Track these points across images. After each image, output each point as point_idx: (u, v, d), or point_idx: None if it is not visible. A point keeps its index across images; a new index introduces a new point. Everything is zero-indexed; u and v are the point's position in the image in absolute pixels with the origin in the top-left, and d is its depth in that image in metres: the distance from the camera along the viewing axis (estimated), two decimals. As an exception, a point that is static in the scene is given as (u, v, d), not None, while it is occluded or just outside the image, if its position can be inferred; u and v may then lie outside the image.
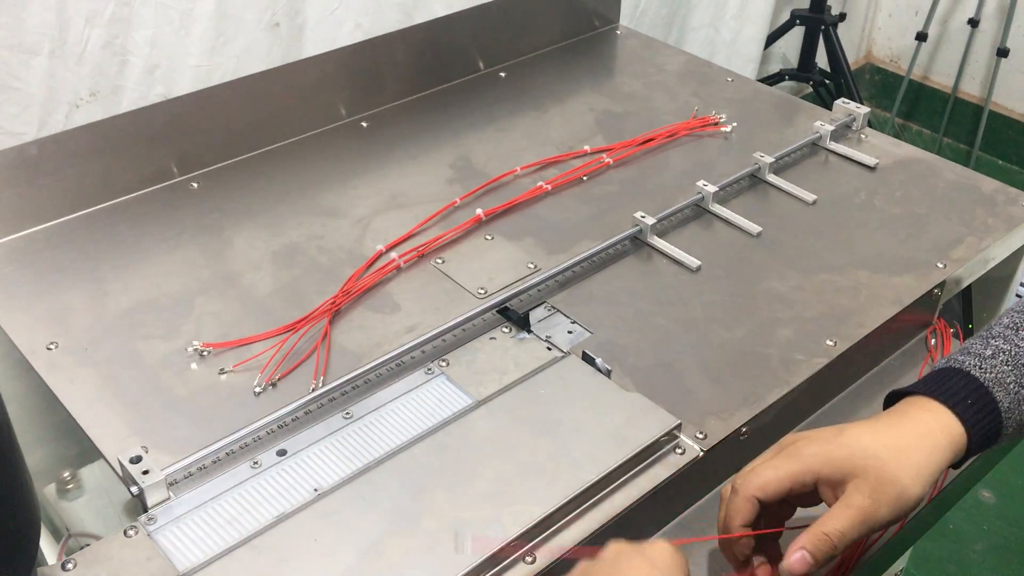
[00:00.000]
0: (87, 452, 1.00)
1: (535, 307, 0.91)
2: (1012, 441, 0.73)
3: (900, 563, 1.27)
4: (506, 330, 0.88)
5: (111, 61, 1.24)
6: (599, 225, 1.02)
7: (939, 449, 0.68)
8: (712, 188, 1.04)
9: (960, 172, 1.11)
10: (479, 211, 1.02)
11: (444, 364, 0.84)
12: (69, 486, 0.99)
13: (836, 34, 2.41)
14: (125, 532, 0.69)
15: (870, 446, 0.67)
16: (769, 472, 0.67)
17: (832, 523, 0.65)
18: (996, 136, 2.74)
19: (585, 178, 1.10)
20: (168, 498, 0.71)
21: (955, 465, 0.70)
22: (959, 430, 0.68)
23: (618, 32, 1.43)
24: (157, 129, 1.04)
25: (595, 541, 0.71)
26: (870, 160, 1.12)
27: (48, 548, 0.83)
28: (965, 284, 1.01)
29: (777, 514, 0.70)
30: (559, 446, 0.75)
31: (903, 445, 0.67)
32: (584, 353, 0.84)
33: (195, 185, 1.07)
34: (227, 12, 1.32)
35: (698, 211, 1.05)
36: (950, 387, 0.70)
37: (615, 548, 0.63)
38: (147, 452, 0.73)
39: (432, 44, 1.25)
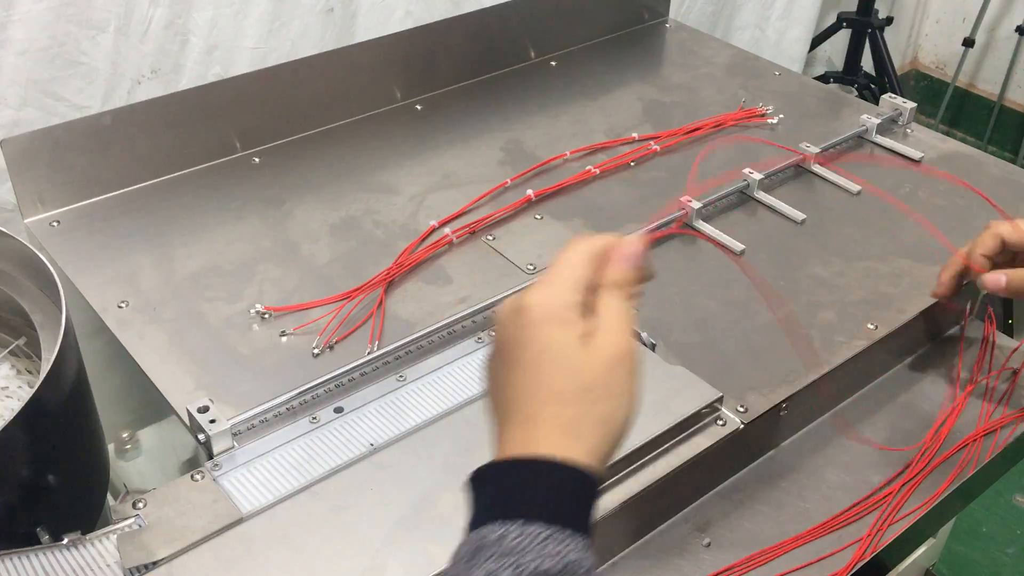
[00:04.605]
0: (141, 419, 1.04)
1: (583, 283, 0.93)
2: None
3: (931, 558, 1.28)
4: (554, 304, 0.91)
5: (173, 40, 1.29)
6: (645, 208, 1.04)
7: None
8: (758, 176, 1.06)
9: (1004, 168, 1.13)
10: (529, 192, 1.05)
11: (494, 334, 0.87)
12: (127, 447, 1.03)
13: (883, 38, 2.41)
14: (192, 476, 0.72)
15: None
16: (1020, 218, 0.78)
17: None
18: (1041, 144, 2.72)
19: (632, 163, 1.13)
20: (232, 447, 0.75)
21: None
22: None
23: (667, 25, 1.46)
24: (222, 106, 1.08)
25: (638, 504, 0.74)
26: (915, 153, 1.13)
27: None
28: (1006, 277, 1.02)
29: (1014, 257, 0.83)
30: (605, 413, 0.78)
31: None
32: (630, 327, 0.87)
33: (257, 160, 1.11)
34: (284, -3, 1.36)
35: (743, 198, 1.07)
36: None
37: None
38: (213, 403, 0.76)
39: (486, 32, 1.28)
